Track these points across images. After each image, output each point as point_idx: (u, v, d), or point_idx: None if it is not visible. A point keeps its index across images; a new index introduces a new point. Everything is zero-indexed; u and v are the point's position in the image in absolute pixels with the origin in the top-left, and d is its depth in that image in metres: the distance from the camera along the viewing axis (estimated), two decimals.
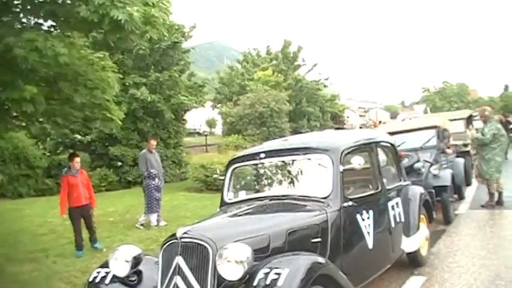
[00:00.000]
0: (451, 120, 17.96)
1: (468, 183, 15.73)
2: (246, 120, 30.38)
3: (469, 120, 18.94)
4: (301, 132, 35.86)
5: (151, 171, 12.94)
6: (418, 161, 10.94)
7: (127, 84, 22.41)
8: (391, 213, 6.69)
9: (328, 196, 5.58)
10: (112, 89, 8.96)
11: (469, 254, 8.32)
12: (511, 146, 17.46)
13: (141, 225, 12.78)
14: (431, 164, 11.02)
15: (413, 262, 7.62)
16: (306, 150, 6.03)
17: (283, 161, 6.26)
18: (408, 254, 7.40)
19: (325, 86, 42.66)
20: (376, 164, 6.59)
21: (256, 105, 30.10)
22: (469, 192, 14.75)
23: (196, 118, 64.31)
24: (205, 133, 54.35)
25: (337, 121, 45.25)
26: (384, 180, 6.70)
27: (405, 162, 10.84)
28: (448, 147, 12.95)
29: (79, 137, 22.57)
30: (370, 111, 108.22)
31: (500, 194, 12.35)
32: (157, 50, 23.76)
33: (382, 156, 7.14)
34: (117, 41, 7.84)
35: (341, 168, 5.67)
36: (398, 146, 11.98)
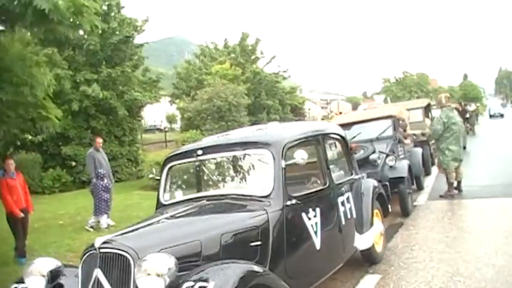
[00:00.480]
0: (409, 109, 17.77)
1: (427, 173, 15.57)
2: (204, 115, 29.73)
3: (427, 109, 18.81)
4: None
5: (100, 171, 12.39)
6: (373, 152, 10.57)
7: (78, 81, 21.74)
8: (341, 209, 6.26)
9: (269, 195, 5.11)
10: (41, 86, 8.32)
11: (427, 248, 7.98)
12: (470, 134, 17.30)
13: (91, 227, 12.25)
14: (387, 155, 10.65)
15: (367, 260, 7.21)
16: (245, 145, 5.55)
17: (222, 158, 5.80)
18: (362, 251, 6.98)
19: (284, 79, 42.22)
20: (324, 157, 6.12)
21: (214, 99, 29.50)
22: (428, 182, 14.58)
23: (156, 114, 63.56)
24: (166, 129, 53.57)
25: (297, 113, 44.81)
26: (334, 175, 6.28)
27: (360, 153, 10.51)
28: (405, 137, 12.64)
29: (30, 137, 21.73)
30: (332, 102, 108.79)
31: (459, 182, 12.24)
32: (109, 45, 23.05)
33: (331, 149, 6.72)
34: (44, 33, 7.24)
35: (283, 163, 5.20)
36: (354, 137, 11.73)
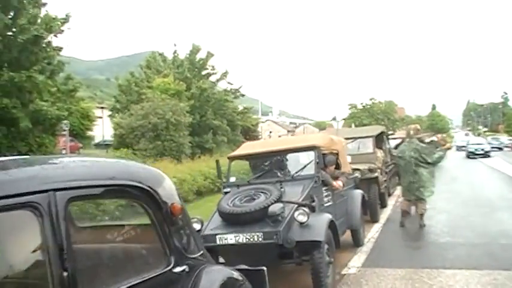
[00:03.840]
0: (357, 138, 14.57)
1: (374, 220, 12.40)
2: (138, 132, 26.51)
3: (379, 138, 15.45)
4: (204, 148, 32.04)
5: None
6: (277, 200, 6.99)
7: None
8: None
9: None
10: None
11: None
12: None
13: None
14: (298, 206, 7.08)
15: None
16: None
17: None
18: None
19: (235, 97, 38.68)
20: (56, 241, 2.59)
21: (151, 115, 26.31)
22: (373, 233, 11.22)
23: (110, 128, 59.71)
24: None
25: (250, 136, 41.01)
26: (93, 276, 2.83)
27: (257, 202, 7.03)
28: (336, 177, 9.03)
29: None
30: (301, 126, 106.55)
31: (420, 215, 11.50)
32: (17, 45, 19.42)
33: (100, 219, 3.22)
34: None
35: None
36: (261, 175, 8.41)
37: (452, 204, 14.75)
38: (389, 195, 16.58)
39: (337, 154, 9.40)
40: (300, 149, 8.49)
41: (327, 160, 8.71)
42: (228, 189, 7.94)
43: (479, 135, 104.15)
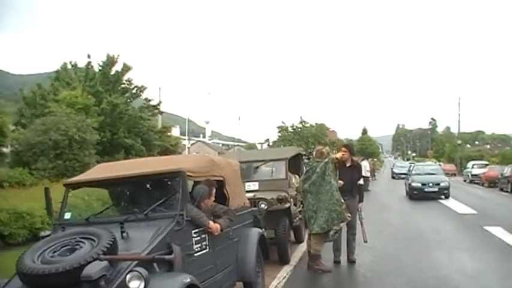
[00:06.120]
0: (263, 161, 12.39)
1: (285, 261, 10.31)
2: (37, 150, 23.56)
3: (295, 161, 13.16)
4: None
5: None
6: (105, 253, 4.52)
7: None
8: None
9: None
10: None
11: None
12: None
13: None
14: (136, 266, 4.59)
15: None
16: None
17: None
18: None
19: (152, 115, 35.80)
20: None
21: (52, 131, 23.42)
22: (278, 280, 9.01)
23: None
24: None
25: None
26: None
27: (75, 256, 4.55)
28: (218, 216, 6.57)
29: None
30: (231, 148, 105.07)
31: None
32: None
33: None
34: None
35: None
36: (103, 210, 6.02)
37: (379, 239, 12.71)
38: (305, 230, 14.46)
39: (221, 182, 6.99)
40: (159, 174, 6.00)
41: (195, 192, 5.96)
42: (47, 232, 5.47)
43: (408, 160, 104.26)
